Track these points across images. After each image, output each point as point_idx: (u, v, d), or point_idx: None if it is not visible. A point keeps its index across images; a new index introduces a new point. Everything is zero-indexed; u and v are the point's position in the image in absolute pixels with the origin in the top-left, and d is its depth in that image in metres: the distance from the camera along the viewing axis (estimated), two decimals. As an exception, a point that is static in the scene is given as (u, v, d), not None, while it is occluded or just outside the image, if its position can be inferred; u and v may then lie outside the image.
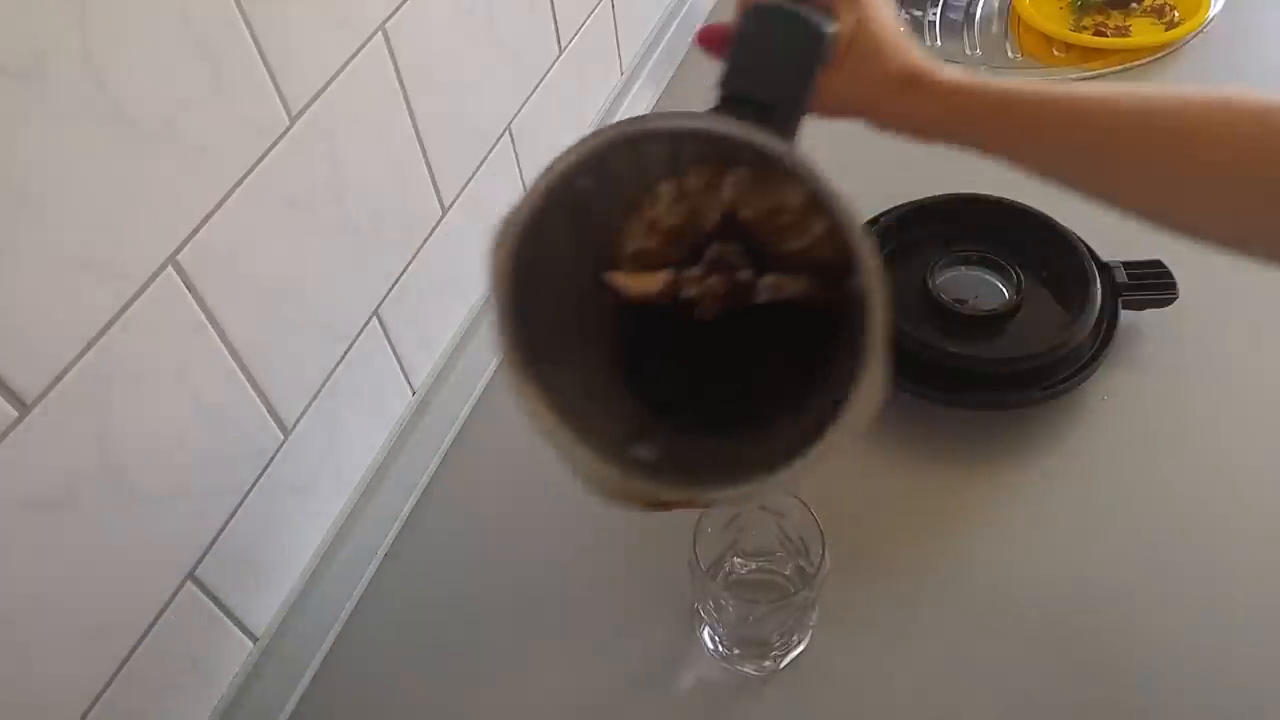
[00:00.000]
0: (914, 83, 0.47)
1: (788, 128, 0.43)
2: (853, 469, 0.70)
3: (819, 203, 0.39)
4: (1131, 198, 0.46)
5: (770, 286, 0.44)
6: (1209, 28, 1.01)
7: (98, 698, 0.51)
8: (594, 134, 0.41)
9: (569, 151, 0.41)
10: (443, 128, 0.69)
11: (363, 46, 0.60)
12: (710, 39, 0.47)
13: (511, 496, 0.74)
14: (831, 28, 0.44)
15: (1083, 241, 0.77)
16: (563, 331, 0.45)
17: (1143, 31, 1.03)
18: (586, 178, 0.42)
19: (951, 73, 0.47)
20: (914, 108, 0.48)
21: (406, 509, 0.73)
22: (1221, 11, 1.03)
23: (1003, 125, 0.47)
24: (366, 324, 0.67)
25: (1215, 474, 0.69)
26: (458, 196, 0.74)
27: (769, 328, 0.46)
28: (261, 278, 0.56)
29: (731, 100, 0.43)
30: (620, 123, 0.41)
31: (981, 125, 0.47)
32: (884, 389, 0.37)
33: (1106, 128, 0.45)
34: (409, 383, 0.74)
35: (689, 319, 0.46)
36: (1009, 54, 1.07)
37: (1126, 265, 0.76)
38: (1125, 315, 0.75)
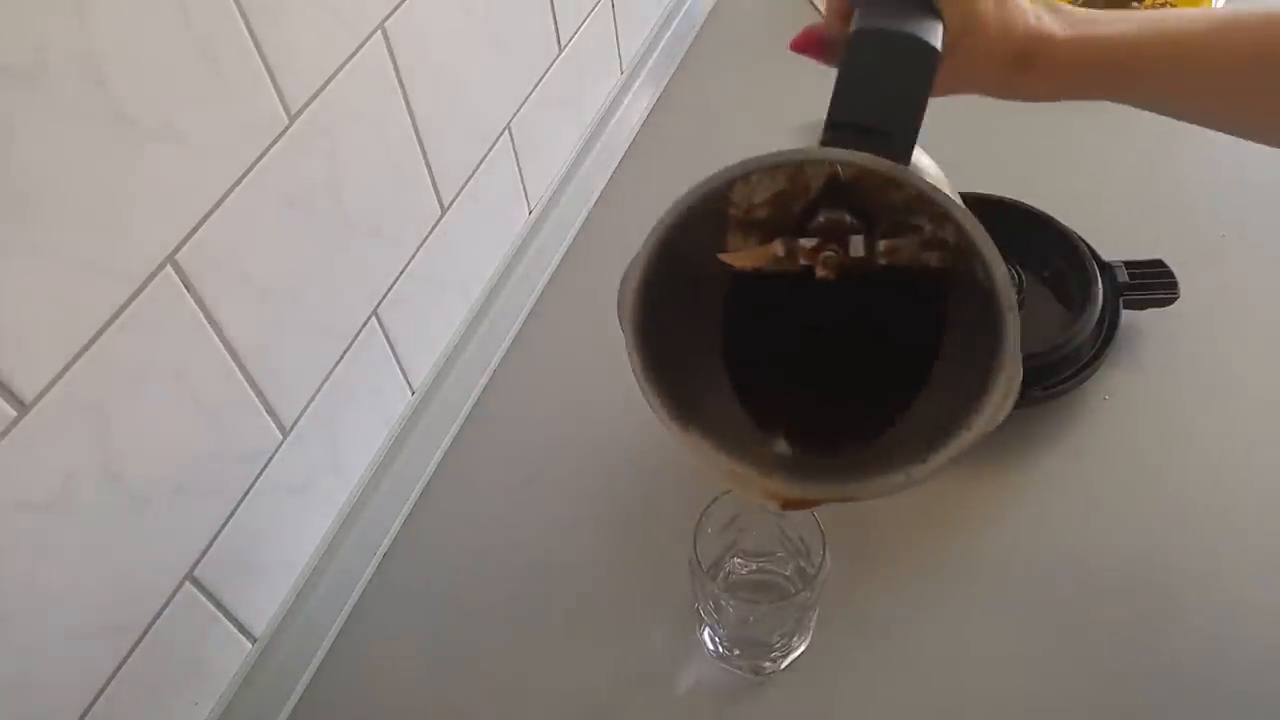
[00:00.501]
0: (1027, 61, 0.45)
1: (905, 151, 0.41)
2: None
3: (945, 217, 0.39)
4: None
5: (886, 250, 0.43)
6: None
7: (97, 698, 0.51)
8: (700, 183, 0.40)
9: (679, 202, 0.41)
10: (442, 127, 0.69)
11: (362, 45, 0.59)
12: (807, 44, 0.46)
13: (511, 496, 0.74)
14: (939, 37, 0.42)
15: (1084, 241, 0.76)
16: (688, 355, 0.46)
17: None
18: (694, 230, 0.42)
19: (1068, 33, 0.45)
20: (1027, 85, 0.47)
21: (406, 509, 0.73)
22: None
23: (1124, 86, 0.46)
24: (366, 324, 0.67)
25: (1216, 473, 0.68)
26: (457, 196, 0.74)
27: (869, 320, 0.47)
28: (260, 277, 0.56)
29: (843, 127, 0.41)
30: (732, 166, 0.40)
31: (1102, 89, 0.46)
32: (1018, 385, 0.38)
33: (1237, 69, 0.44)
34: (408, 383, 0.74)
35: (796, 307, 0.46)
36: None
37: (1128, 265, 0.76)
38: (1126, 315, 0.74)
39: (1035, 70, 0.46)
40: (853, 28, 0.41)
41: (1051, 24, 0.45)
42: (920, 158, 0.46)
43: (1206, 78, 0.46)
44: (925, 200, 0.39)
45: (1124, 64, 0.46)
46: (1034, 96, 0.48)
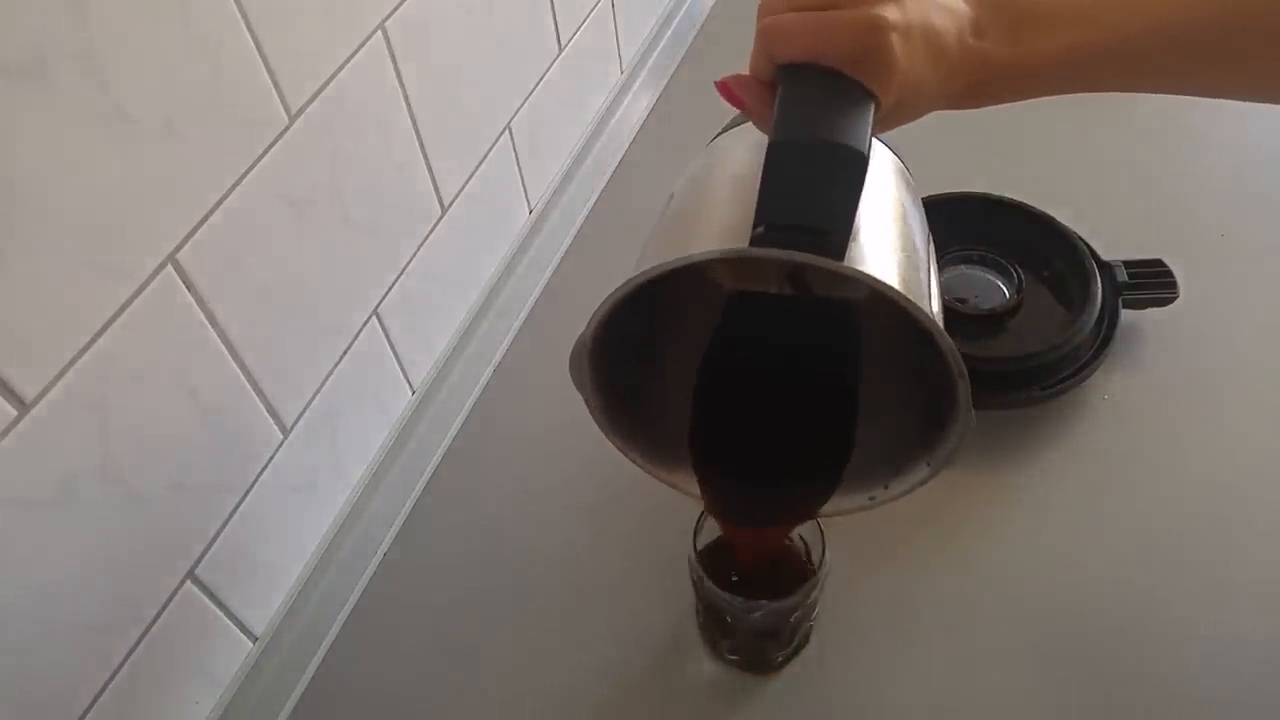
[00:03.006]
0: (972, 92, 0.44)
1: (841, 245, 0.39)
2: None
3: (892, 304, 0.40)
4: (1235, 91, 0.47)
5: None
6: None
7: (97, 697, 0.51)
8: (639, 273, 0.41)
9: (622, 286, 0.42)
10: (442, 126, 0.69)
11: (362, 45, 0.60)
12: (731, 99, 0.44)
13: (511, 496, 0.74)
14: (867, 125, 0.39)
15: (1083, 240, 0.76)
16: (658, 402, 0.52)
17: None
18: (633, 315, 0.44)
19: (1009, 53, 0.43)
20: (978, 105, 0.45)
21: (406, 509, 0.73)
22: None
23: (1080, 88, 0.45)
24: (366, 323, 0.67)
25: (1216, 473, 0.68)
26: (457, 195, 0.74)
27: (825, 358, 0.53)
28: (261, 277, 0.56)
29: (776, 228, 0.39)
30: (672, 260, 0.41)
31: (1059, 91, 0.45)
32: (971, 432, 0.44)
33: (1185, 51, 0.43)
34: (409, 382, 0.74)
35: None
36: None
37: (1127, 264, 0.76)
38: (1126, 314, 0.74)
39: (984, 95, 0.45)
40: (772, 132, 0.38)
41: (992, 41, 0.43)
42: (881, 155, 0.47)
43: (1167, 71, 0.45)
44: (869, 289, 0.39)
45: (1075, 75, 0.44)
46: (987, 105, 0.46)
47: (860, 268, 0.39)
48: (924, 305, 0.40)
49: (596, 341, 0.45)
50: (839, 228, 0.38)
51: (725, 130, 0.51)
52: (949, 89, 0.43)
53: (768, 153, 0.38)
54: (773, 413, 0.54)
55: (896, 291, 0.39)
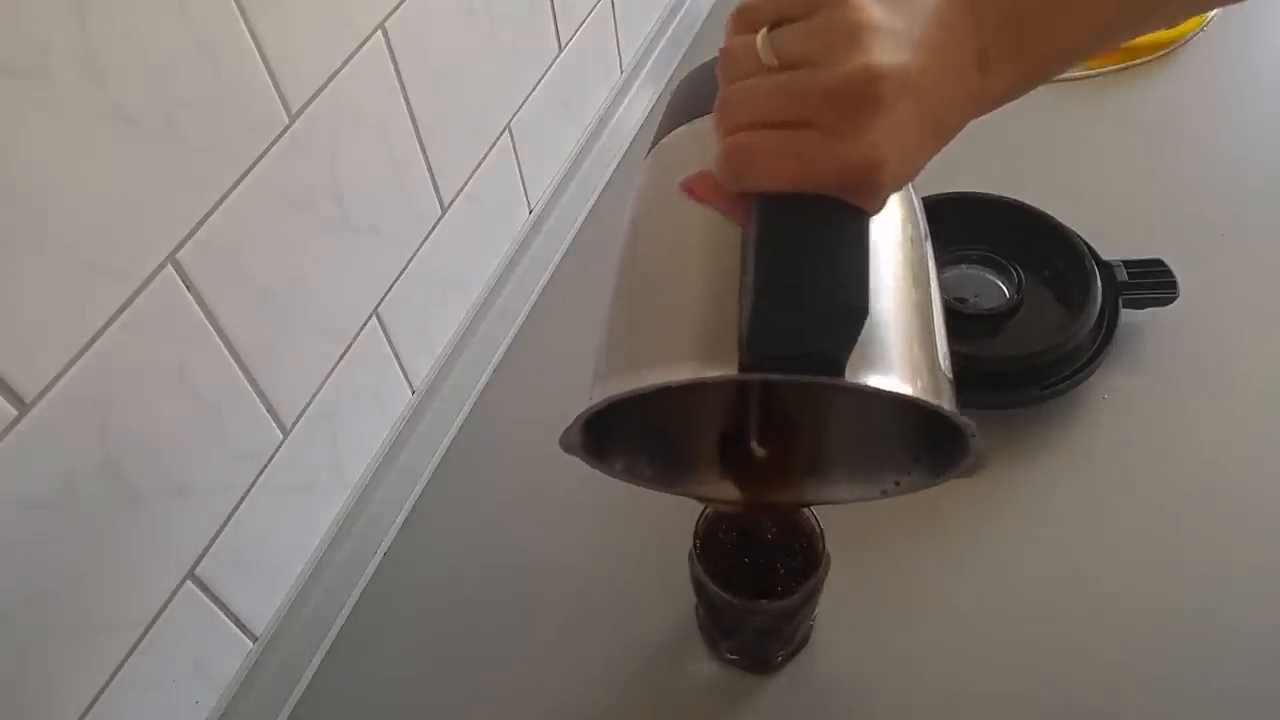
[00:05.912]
0: (983, 111, 0.42)
1: (841, 363, 0.36)
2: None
3: (904, 404, 0.39)
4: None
5: None
6: (1209, 26, 1.01)
7: (98, 696, 0.51)
8: (627, 389, 0.40)
9: (598, 403, 0.42)
10: (442, 126, 0.69)
11: (362, 45, 0.60)
12: (698, 199, 0.38)
13: (511, 496, 0.74)
14: (864, 288, 0.33)
15: (1083, 240, 0.77)
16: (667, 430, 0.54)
17: (1143, 30, 1.03)
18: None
19: (1011, 73, 0.40)
20: (981, 115, 0.45)
21: (406, 509, 0.73)
22: (1222, 9, 1.02)
23: (1068, 68, 0.43)
24: (366, 323, 0.67)
25: (1215, 473, 0.68)
26: (457, 195, 0.74)
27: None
28: (261, 277, 0.56)
29: (768, 357, 0.36)
30: (644, 385, 0.39)
31: (1050, 78, 0.42)
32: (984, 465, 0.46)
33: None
34: (409, 383, 0.74)
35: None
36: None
37: (1127, 264, 0.76)
38: (1126, 314, 0.74)
39: (981, 111, 0.41)
40: (754, 276, 0.33)
41: (998, 65, 0.39)
42: None
43: (1143, 21, 0.44)
44: (880, 399, 0.38)
45: (1070, 64, 0.44)
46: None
47: (866, 380, 0.36)
48: (942, 401, 0.39)
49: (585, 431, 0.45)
50: (838, 352, 0.35)
51: (669, 124, 0.50)
52: (947, 143, 0.40)
53: (753, 304, 0.34)
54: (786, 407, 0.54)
55: (913, 398, 0.38)
